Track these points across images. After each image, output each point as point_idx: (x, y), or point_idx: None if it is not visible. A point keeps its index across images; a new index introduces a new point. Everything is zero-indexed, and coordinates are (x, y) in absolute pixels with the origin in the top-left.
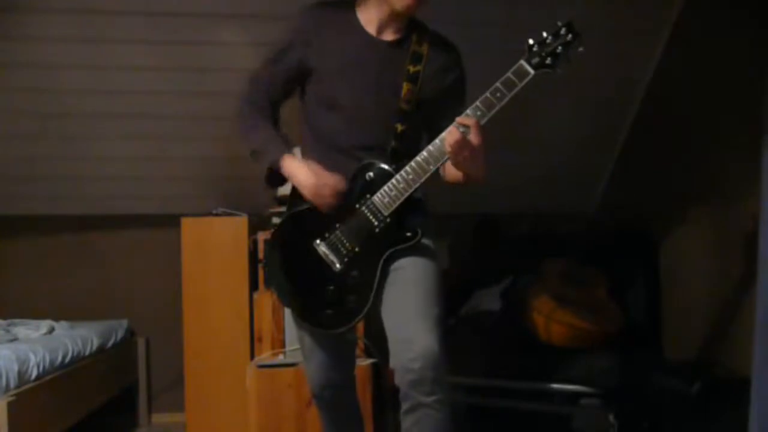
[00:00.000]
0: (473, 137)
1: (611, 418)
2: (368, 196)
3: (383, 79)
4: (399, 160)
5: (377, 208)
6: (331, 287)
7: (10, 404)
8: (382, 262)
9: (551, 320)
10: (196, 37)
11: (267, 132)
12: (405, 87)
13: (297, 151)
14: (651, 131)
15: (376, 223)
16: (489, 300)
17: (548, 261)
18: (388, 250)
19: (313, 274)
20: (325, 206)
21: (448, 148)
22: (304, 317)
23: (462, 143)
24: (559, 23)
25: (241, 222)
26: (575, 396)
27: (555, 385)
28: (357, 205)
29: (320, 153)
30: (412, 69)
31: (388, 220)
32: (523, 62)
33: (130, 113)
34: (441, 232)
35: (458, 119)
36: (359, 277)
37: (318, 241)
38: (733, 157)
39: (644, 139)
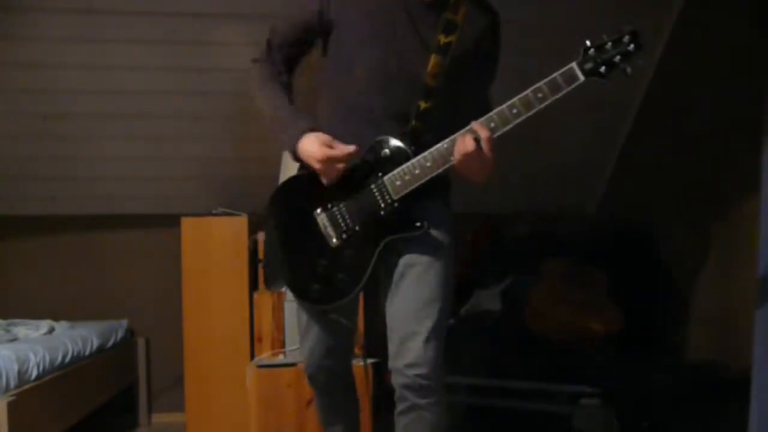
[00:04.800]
0: (485, 149)
1: (611, 418)
2: (380, 174)
3: (414, 41)
4: (418, 140)
5: (387, 190)
6: (324, 262)
7: (10, 404)
8: (381, 246)
9: (551, 320)
10: (196, 37)
11: (283, 107)
12: (433, 60)
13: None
14: (651, 131)
15: (382, 206)
16: (489, 300)
17: (548, 261)
18: (389, 236)
19: (308, 244)
20: (332, 177)
21: (456, 156)
22: (290, 286)
23: (472, 154)
24: (624, 29)
25: (241, 222)
26: (575, 396)
27: (555, 385)
28: (366, 181)
29: (339, 118)
30: (443, 39)
31: (396, 204)
32: (574, 66)
33: (130, 113)
34: None
35: (473, 125)
36: (354, 257)
37: (319, 211)
38: (733, 157)
39: (644, 139)
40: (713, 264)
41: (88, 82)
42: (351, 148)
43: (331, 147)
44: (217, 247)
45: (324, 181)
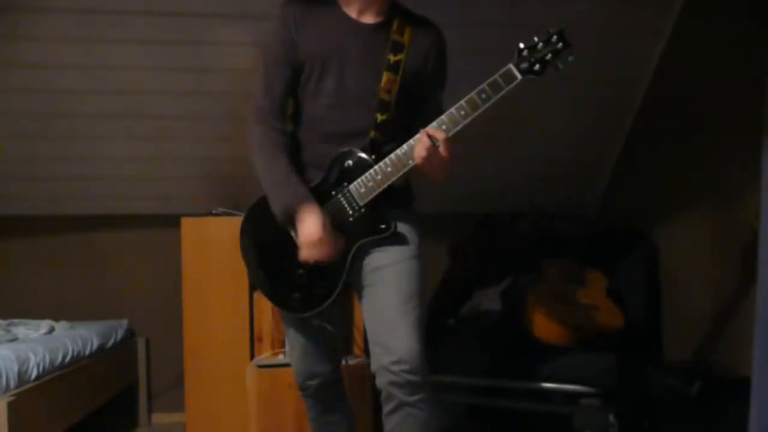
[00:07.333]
0: (442, 150)
1: (611, 418)
2: (345, 184)
3: (366, 62)
4: (379, 149)
5: (353, 197)
6: (301, 271)
7: (10, 404)
8: (353, 251)
9: (551, 320)
10: (196, 37)
11: (283, 172)
12: (385, 77)
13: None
14: (651, 131)
15: (350, 212)
16: (489, 300)
17: (548, 261)
18: (360, 240)
19: (284, 257)
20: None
21: (417, 159)
22: (271, 299)
23: (431, 153)
24: (551, 30)
25: (240, 222)
26: (575, 396)
27: (555, 385)
28: (333, 192)
29: (305, 141)
30: (392, 58)
31: (363, 210)
32: (511, 66)
33: (130, 113)
34: (441, 232)
35: (428, 130)
36: (329, 264)
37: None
38: (733, 157)
39: (644, 139)
40: (713, 264)
41: (88, 82)
42: (338, 246)
43: (327, 232)
44: (217, 247)
45: (304, 254)
